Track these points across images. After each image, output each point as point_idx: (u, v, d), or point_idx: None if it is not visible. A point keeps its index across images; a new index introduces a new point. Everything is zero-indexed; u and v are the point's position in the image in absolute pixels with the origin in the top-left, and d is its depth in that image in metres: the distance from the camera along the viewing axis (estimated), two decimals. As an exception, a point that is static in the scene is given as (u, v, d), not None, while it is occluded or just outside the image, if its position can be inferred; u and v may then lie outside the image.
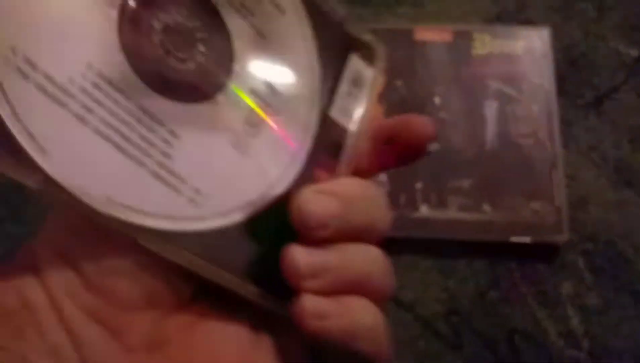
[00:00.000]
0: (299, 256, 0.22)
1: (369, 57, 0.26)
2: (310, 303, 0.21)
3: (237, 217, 0.22)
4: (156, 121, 0.21)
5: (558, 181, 0.39)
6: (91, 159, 0.20)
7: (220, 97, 0.22)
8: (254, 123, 0.23)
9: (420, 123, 0.25)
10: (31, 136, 0.18)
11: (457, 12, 0.44)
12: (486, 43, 0.42)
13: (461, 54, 0.42)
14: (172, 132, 0.21)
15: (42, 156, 0.18)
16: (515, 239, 0.38)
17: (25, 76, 0.18)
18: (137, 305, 0.21)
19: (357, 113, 0.25)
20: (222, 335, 0.23)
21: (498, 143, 0.40)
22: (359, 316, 0.22)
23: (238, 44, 0.23)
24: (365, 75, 0.26)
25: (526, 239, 0.37)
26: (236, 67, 0.23)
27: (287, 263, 0.21)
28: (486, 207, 0.38)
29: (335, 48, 0.25)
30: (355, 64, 0.26)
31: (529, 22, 0.44)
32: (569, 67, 0.42)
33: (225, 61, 0.23)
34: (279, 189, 0.23)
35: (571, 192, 0.39)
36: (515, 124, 0.40)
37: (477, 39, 0.43)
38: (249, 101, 0.22)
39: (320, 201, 0.22)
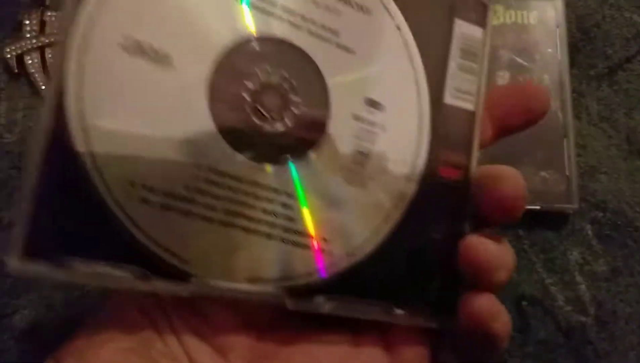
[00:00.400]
0: (492, 247, 0.22)
1: (477, 15, 0.24)
2: (488, 303, 0.22)
3: (367, 250, 0.22)
4: (272, 190, 0.21)
5: (569, 151, 0.39)
6: (227, 250, 0.21)
7: (324, 141, 0.22)
8: (362, 152, 0.22)
9: (536, 92, 0.24)
10: (172, 253, 0.20)
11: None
12: (499, 14, 0.42)
13: (474, 25, 0.42)
14: (288, 195, 0.21)
15: (187, 266, 0.20)
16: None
17: (147, 201, 0.19)
18: (236, 326, 0.23)
19: (473, 87, 0.24)
20: (320, 347, 0.23)
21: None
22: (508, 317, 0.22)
23: (326, 69, 0.22)
24: (475, 39, 0.24)
25: (536, 207, 0.38)
26: (333, 98, 0.22)
27: (482, 253, 0.21)
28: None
29: (435, 21, 0.24)
30: (462, 28, 0.24)
31: (543, -8, 0.44)
32: (583, 38, 0.42)
33: (320, 97, 0.22)
34: (402, 207, 0.22)
35: (582, 161, 0.40)
36: (527, 94, 0.41)
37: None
38: (353, 131, 0.22)
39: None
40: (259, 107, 0.21)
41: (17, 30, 0.42)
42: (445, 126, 0.23)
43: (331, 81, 0.22)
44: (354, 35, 0.23)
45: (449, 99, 0.23)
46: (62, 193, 0.19)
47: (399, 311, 0.22)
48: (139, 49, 0.19)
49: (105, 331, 0.21)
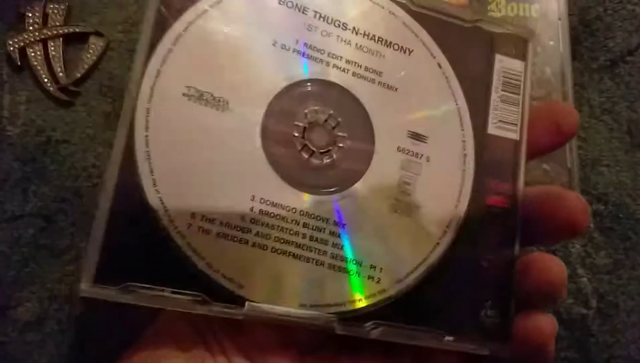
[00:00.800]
0: (560, 264, 0.23)
1: (516, 49, 0.25)
2: (549, 323, 0.23)
3: (415, 277, 0.23)
4: (321, 219, 0.23)
5: (570, 143, 0.39)
6: (279, 277, 0.22)
7: (370, 172, 0.24)
8: (407, 182, 0.24)
9: (564, 111, 0.25)
10: (230, 279, 0.21)
11: (472, -24, 0.44)
12: (501, 6, 0.42)
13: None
14: (336, 223, 0.23)
15: (242, 291, 0.21)
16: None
17: (206, 231, 0.21)
18: (280, 346, 0.23)
19: (516, 117, 0.25)
20: None
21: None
22: None
23: (370, 106, 0.24)
24: (516, 71, 0.25)
25: (537, 199, 0.38)
26: (377, 132, 0.24)
27: (555, 270, 0.23)
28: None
29: (475, 57, 0.25)
30: (503, 63, 0.25)
31: (545, -15, 0.44)
32: (584, 30, 0.42)
33: (365, 131, 0.24)
34: (450, 234, 0.24)
35: (583, 154, 0.40)
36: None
37: (492, 2, 0.43)
38: (398, 162, 0.23)
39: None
40: (308, 143, 0.23)
41: (19, 22, 0.43)
42: (490, 155, 0.24)
43: (375, 117, 0.24)
44: (397, 74, 0.24)
45: (492, 129, 0.25)
46: (129, 225, 0.21)
47: (448, 338, 0.23)
48: (200, 97, 0.22)
49: (163, 348, 0.23)
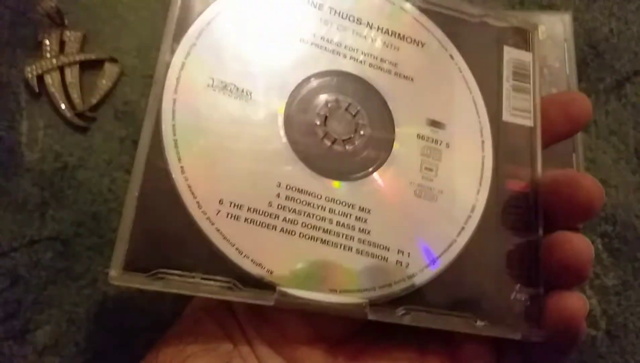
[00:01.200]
0: (584, 240, 0.23)
1: (523, 41, 0.27)
2: (579, 301, 0.22)
3: (444, 262, 0.23)
4: (347, 205, 0.23)
5: (578, 165, 0.39)
6: (308, 262, 0.22)
7: (392, 158, 0.24)
8: (429, 168, 0.24)
9: (575, 99, 0.25)
10: (259, 264, 0.22)
11: (479, -2, 0.45)
12: (508, 29, 0.43)
13: (483, 40, 0.43)
14: (363, 209, 0.23)
15: (272, 276, 0.22)
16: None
17: (234, 216, 0.22)
18: (308, 338, 0.24)
19: (529, 105, 0.26)
20: (389, 359, 0.24)
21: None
22: None
23: (388, 95, 0.25)
24: (524, 62, 0.26)
25: (546, 221, 0.38)
26: (397, 120, 0.24)
27: (580, 246, 0.23)
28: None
29: (485, 49, 0.26)
30: (511, 54, 0.26)
31: (551, 6, 0.45)
32: (591, 52, 0.43)
33: (385, 119, 0.25)
34: (475, 218, 0.24)
35: (591, 175, 0.40)
36: (536, 109, 0.41)
37: (499, 25, 0.43)
38: (418, 149, 0.24)
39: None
40: (329, 131, 0.24)
41: (37, 50, 0.44)
42: (507, 141, 0.25)
43: (393, 105, 0.25)
44: (412, 65, 0.25)
45: (507, 117, 0.25)
46: (158, 212, 0.21)
47: (480, 323, 0.23)
48: (224, 88, 0.23)
49: (188, 345, 0.23)
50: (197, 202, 0.21)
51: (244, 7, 0.24)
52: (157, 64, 0.22)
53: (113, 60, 0.43)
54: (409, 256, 0.23)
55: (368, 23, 0.25)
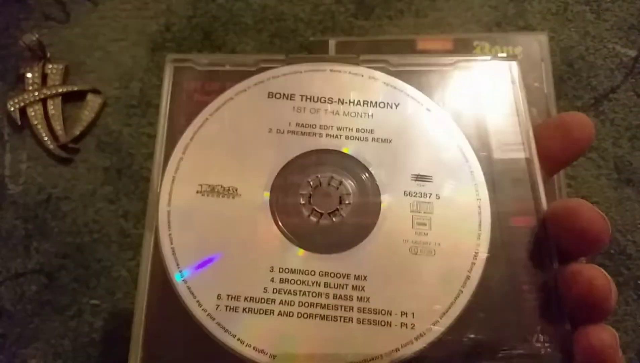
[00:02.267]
0: (602, 272, 0.21)
1: (503, 74, 0.26)
2: (610, 335, 0.21)
3: (453, 315, 0.23)
4: (342, 276, 0.23)
5: (559, 182, 0.40)
6: (309, 340, 0.23)
7: (380, 222, 0.24)
8: (421, 222, 0.24)
9: (575, 120, 0.24)
10: (262, 351, 0.22)
11: (457, 20, 0.46)
12: (486, 50, 0.44)
13: (462, 62, 0.44)
14: (359, 277, 0.23)
15: (273, 361, 0.22)
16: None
17: (233, 309, 0.23)
18: None
19: (519, 137, 0.25)
20: None
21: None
22: None
23: (368, 161, 0.25)
24: (506, 94, 0.26)
25: (529, 239, 0.39)
26: (381, 182, 0.25)
27: (600, 280, 0.21)
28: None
29: (463, 93, 0.26)
30: (493, 90, 0.26)
31: (528, 27, 0.45)
32: (568, 70, 0.44)
33: (369, 185, 0.25)
34: (479, 265, 0.23)
35: (572, 192, 0.40)
36: (515, 128, 0.42)
37: (477, 47, 0.44)
38: (408, 206, 0.24)
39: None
40: (315, 208, 0.25)
41: (19, 83, 0.44)
42: (503, 178, 0.25)
43: (375, 169, 0.25)
44: (388, 127, 0.26)
45: (498, 154, 0.25)
46: (164, 317, 0.23)
47: None
48: (212, 190, 0.25)
49: None
50: (197, 301, 0.23)
51: (221, 118, 0.26)
52: (150, 183, 0.25)
53: (95, 91, 0.43)
54: (413, 316, 0.23)
55: (339, 100, 0.26)
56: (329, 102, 0.26)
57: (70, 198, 0.41)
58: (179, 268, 0.24)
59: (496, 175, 0.25)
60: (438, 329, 0.22)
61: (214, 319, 0.23)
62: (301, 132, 0.26)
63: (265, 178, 0.25)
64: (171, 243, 0.24)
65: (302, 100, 0.26)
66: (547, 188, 0.40)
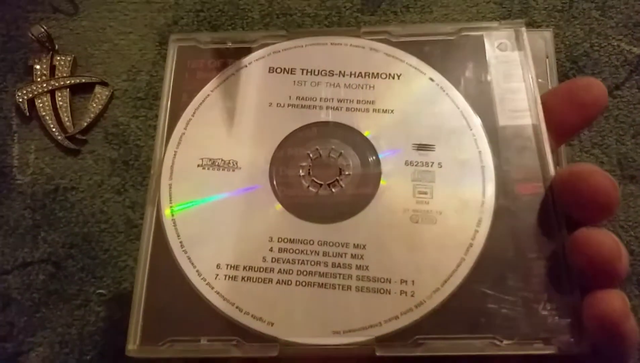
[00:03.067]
0: (607, 234, 0.20)
1: (509, 42, 0.27)
2: (619, 298, 0.20)
3: (455, 283, 0.22)
4: (341, 245, 0.24)
5: (562, 178, 0.40)
6: (308, 308, 0.23)
7: (380, 191, 0.25)
8: (423, 191, 0.24)
9: (585, 84, 0.24)
10: (260, 319, 0.22)
11: (463, 16, 0.46)
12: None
13: (467, 58, 0.44)
14: (358, 246, 0.23)
15: (272, 329, 0.22)
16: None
17: (233, 278, 0.23)
18: None
19: (526, 104, 0.25)
20: None
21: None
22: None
23: (370, 133, 0.25)
24: (513, 62, 0.26)
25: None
26: (381, 152, 0.25)
27: (608, 247, 0.20)
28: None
29: (467, 62, 0.26)
30: (499, 58, 0.26)
31: (533, 23, 0.46)
32: (572, 67, 0.44)
33: (369, 155, 0.25)
34: (483, 232, 0.23)
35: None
36: (520, 123, 0.42)
37: (482, 42, 0.44)
38: (409, 176, 0.24)
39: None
40: (314, 179, 0.25)
41: (27, 74, 0.44)
42: (509, 145, 0.24)
43: (375, 140, 0.25)
44: (390, 97, 0.26)
45: (504, 121, 0.25)
46: (164, 287, 0.23)
47: (506, 342, 0.21)
48: (213, 164, 0.25)
49: None
50: (197, 271, 0.23)
51: (222, 93, 0.27)
52: (154, 157, 0.25)
53: (103, 83, 0.44)
54: (413, 284, 0.22)
55: (340, 72, 0.27)
56: (330, 75, 0.27)
57: (78, 189, 0.41)
58: (179, 239, 0.24)
59: (501, 142, 0.24)
60: (439, 297, 0.22)
61: (213, 288, 0.23)
62: (302, 105, 0.26)
63: (265, 150, 0.25)
64: (172, 215, 0.24)
65: (302, 74, 0.27)
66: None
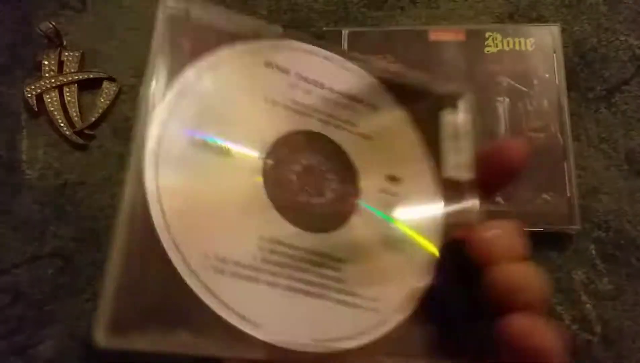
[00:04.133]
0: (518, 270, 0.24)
1: (456, 104, 0.29)
2: (521, 320, 0.22)
3: (412, 305, 0.24)
4: (324, 256, 0.24)
5: (569, 173, 0.40)
6: (291, 314, 0.23)
7: (358, 211, 0.26)
8: (391, 219, 0.26)
9: (511, 148, 0.26)
10: (242, 317, 0.22)
11: (470, 12, 0.46)
12: (498, 41, 0.44)
13: (474, 53, 0.44)
14: (338, 259, 0.24)
15: (255, 330, 0.22)
16: (528, 229, 0.39)
17: (220, 271, 0.22)
18: None
19: (467, 160, 0.27)
20: None
21: (510, 137, 0.42)
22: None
23: (352, 153, 0.26)
24: (459, 123, 0.28)
25: (539, 229, 0.39)
26: (361, 175, 0.26)
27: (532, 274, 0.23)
28: (499, 199, 0.40)
29: (428, 116, 0.28)
30: (448, 119, 0.28)
31: (540, 19, 0.46)
32: (580, 62, 0.44)
33: (352, 177, 0.26)
34: (432, 264, 0.25)
35: (582, 183, 0.41)
36: (527, 118, 0.42)
37: (489, 38, 0.44)
38: (381, 202, 0.26)
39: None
40: (306, 186, 0.25)
41: (36, 70, 0.45)
42: (451, 195, 0.27)
43: (357, 161, 0.27)
44: (369, 125, 0.27)
45: (451, 172, 0.27)
46: (144, 270, 0.21)
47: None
48: (205, 144, 0.24)
49: None
50: (182, 256, 0.22)
51: (219, 75, 0.26)
52: (137, 121, 0.22)
53: (111, 79, 0.44)
54: (381, 303, 0.24)
55: (330, 89, 0.27)
56: (320, 87, 0.27)
57: (86, 184, 0.41)
58: (164, 219, 0.22)
59: (447, 190, 0.27)
60: (399, 317, 0.24)
61: (198, 277, 0.22)
62: (295, 109, 0.26)
63: (261, 145, 0.25)
64: (157, 191, 0.22)
65: (296, 78, 0.27)
66: (557, 178, 0.40)
